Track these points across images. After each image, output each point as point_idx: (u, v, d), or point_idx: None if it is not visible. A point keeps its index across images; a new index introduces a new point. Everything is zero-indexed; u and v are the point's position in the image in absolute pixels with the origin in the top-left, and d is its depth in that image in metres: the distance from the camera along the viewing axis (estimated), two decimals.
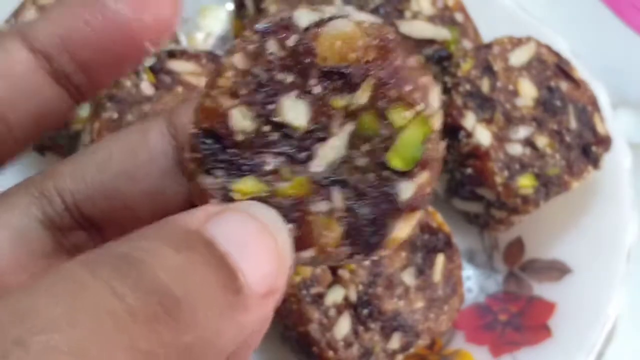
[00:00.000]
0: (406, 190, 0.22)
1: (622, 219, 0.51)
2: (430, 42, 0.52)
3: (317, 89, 0.21)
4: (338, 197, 0.21)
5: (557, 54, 0.51)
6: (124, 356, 0.17)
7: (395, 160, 0.21)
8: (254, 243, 0.20)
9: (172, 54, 0.48)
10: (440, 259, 0.47)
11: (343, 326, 0.44)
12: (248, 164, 0.21)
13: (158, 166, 0.24)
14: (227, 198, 0.21)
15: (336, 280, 0.44)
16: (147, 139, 0.24)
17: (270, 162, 0.21)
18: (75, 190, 0.24)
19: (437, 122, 0.22)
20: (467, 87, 0.48)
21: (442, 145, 0.22)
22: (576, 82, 0.51)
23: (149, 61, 0.47)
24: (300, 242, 0.21)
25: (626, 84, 0.62)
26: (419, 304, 0.46)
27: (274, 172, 0.21)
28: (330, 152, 0.22)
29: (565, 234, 0.52)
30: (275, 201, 0.21)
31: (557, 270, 0.51)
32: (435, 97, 0.22)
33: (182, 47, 0.49)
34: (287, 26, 0.21)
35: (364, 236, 0.21)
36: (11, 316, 0.16)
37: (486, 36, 0.53)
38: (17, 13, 0.49)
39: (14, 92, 0.23)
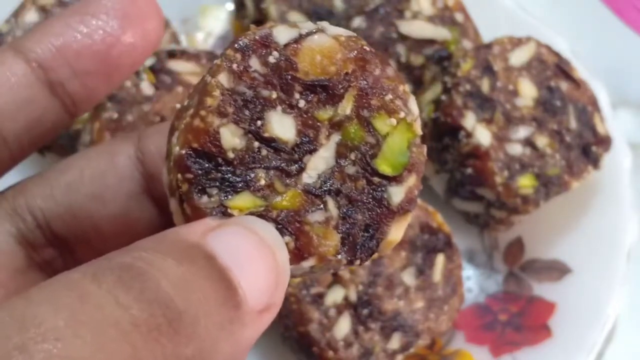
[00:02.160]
0: (397, 193, 0.22)
1: (622, 219, 0.51)
2: (430, 42, 0.52)
3: (301, 103, 0.22)
4: (332, 206, 0.22)
5: (557, 54, 0.51)
6: None
7: (384, 166, 0.22)
8: (254, 258, 0.20)
9: (172, 54, 0.48)
10: (440, 259, 0.47)
11: (343, 326, 0.44)
12: (241, 180, 0.22)
13: (125, 190, 0.25)
14: (225, 215, 0.22)
15: (336, 280, 0.44)
16: (115, 163, 0.25)
17: (263, 177, 0.22)
18: (45, 209, 0.25)
19: (418, 127, 0.23)
20: (467, 87, 0.48)
21: (425, 148, 0.23)
22: (576, 82, 0.51)
23: (149, 61, 0.47)
24: (300, 253, 0.22)
25: (626, 84, 0.63)
26: (419, 304, 0.46)
27: (268, 186, 0.22)
28: (320, 162, 0.22)
29: (565, 234, 0.52)
30: (272, 215, 0.22)
31: (557, 270, 0.51)
32: (414, 103, 0.23)
33: (182, 47, 0.49)
34: (267, 43, 0.22)
35: (361, 241, 0.22)
36: (13, 322, 0.16)
37: (486, 36, 0.53)
38: (17, 13, 0.49)
39: (9, 103, 0.23)
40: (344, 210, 0.22)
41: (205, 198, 0.21)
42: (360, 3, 0.52)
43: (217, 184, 0.22)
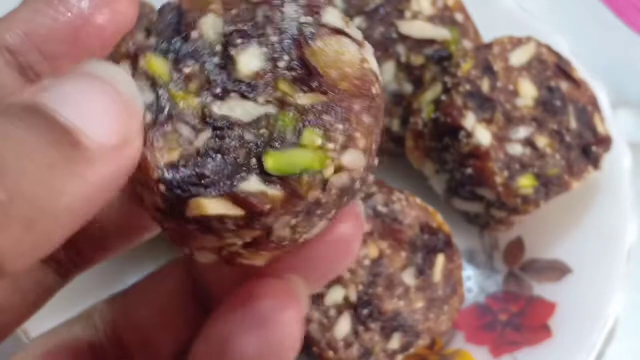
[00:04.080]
0: (250, 184, 0.21)
1: (622, 219, 0.51)
2: (430, 42, 0.52)
3: (282, 64, 0.22)
4: (203, 138, 0.21)
5: (557, 54, 0.51)
6: None
7: (269, 158, 0.21)
8: (92, 98, 0.19)
9: None
10: (440, 259, 0.47)
11: (343, 326, 0.44)
12: (176, 52, 0.22)
13: None
14: (134, 57, 0.22)
15: (336, 280, 0.44)
16: None
17: (192, 69, 0.22)
18: None
19: (329, 171, 0.21)
20: (467, 87, 0.48)
21: (316, 193, 0.21)
22: (576, 82, 0.51)
23: None
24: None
25: (626, 84, 0.63)
26: (419, 304, 0.46)
27: (187, 77, 0.22)
28: (239, 109, 0.21)
29: (566, 234, 0.52)
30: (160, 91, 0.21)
31: (557, 270, 0.51)
32: (351, 157, 0.21)
33: None
34: (314, 9, 0.22)
35: (183, 178, 0.21)
36: None
37: (486, 36, 0.53)
38: None
39: None
40: (206, 150, 0.21)
41: (142, 35, 0.22)
42: (360, 3, 0.52)
43: (161, 38, 0.22)
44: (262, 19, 0.22)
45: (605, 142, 0.51)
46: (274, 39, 0.22)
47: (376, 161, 0.23)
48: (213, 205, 0.20)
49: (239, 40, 0.22)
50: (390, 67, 0.52)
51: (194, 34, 0.22)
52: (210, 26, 0.22)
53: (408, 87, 0.52)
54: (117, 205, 0.26)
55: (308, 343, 0.44)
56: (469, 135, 0.47)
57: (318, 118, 0.21)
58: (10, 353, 0.26)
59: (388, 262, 0.46)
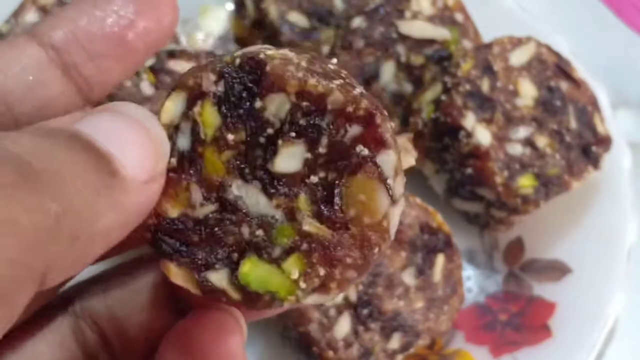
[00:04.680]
0: (217, 276, 0.22)
1: (622, 219, 0.51)
2: (430, 42, 0.52)
3: (315, 179, 0.22)
4: (207, 211, 0.22)
5: (557, 54, 0.51)
6: None
7: (246, 268, 0.22)
8: (124, 132, 0.20)
9: (172, 54, 0.48)
10: (440, 259, 0.47)
11: (343, 326, 0.44)
12: (233, 115, 0.22)
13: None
14: (200, 96, 0.22)
15: None
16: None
17: (238, 139, 0.22)
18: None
19: (287, 305, 0.22)
20: (467, 87, 0.48)
21: (273, 312, 0.24)
22: (576, 82, 0.51)
23: (149, 61, 0.47)
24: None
25: (626, 84, 0.63)
26: (419, 304, 0.46)
27: (230, 144, 0.22)
28: (252, 200, 0.22)
29: (566, 234, 0.52)
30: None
31: (557, 270, 0.51)
32: (316, 302, 0.22)
33: (182, 47, 0.49)
34: (377, 147, 0.22)
35: (167, 240, 0.22)
36: None
37: (486, 36, 0.53)
38: (17, 13, 0.49)
39: (20, 83, 0.23)
40: (202, 224, 0.22)
41: (212, 83, 0.23)
42: (360, 3, 0.52)
43: (233, 95, 0.22)
44: (326, 125, 0.22)
45: (605, 142, 0.51)
46: (322, 150, 0.22)
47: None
48: (179, 277, 0.22)
49: (292, 135, 0.22)
50: (390, 67, 0.52)
51: (258, 104, 0.22)
52: (276, 107, 0.22)
53: (408, 87, 0.52)
54: None
55: (308, 343, 0.44)
56: (469, 135, 0.47)
57: (309, 252, 0.22)
58: None
59: (388, 262, 0.46)
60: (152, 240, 0.22)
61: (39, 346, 0.26)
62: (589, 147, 0.50)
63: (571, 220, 0.52)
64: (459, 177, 0.49)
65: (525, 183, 0.48)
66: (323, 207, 0.22)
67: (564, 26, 0.60)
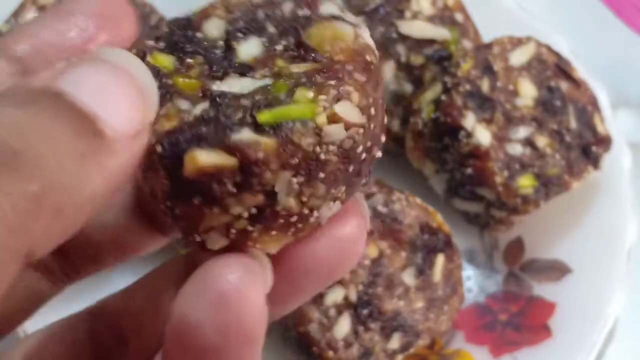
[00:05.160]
0: (242, 134, 0.21)
1: (622, 219, 0.51)
2: (430, 42, 0.52)
3: (279, 47, 0.23)
4: (200, 108, 0.21)
5: (557, 54, 0.51)
6: None
7: (262, 115, 0.21)
8: (110, 85, 0.19)
9: None
10: (440, 259, 0.47)
11: (343, 326, 0.44)
12: (181, 50, 0.23)
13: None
14: (142, 57, 0.22)
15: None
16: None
17: (195, 60, 0.23)
18: None
19: (321, 119, 0.21)
20: (467, 87, 0.48)
21: (310, 140, 0.21)
22: (576, 82, 0.51)
23: None
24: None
25: (626, 84, 0.63)
26: (419, 304, 0.46)
27: (190, 66, 0.22)
28: (236, 84, 0.22)
29: (566, 234, 0.52)
30: (165, 83, 0.22)
31: (557, 270, 0.51)
32: (344, 108, 0.21)
33: None
34: (311, 4, 0.23)
35: (179, 138, 0.21)
36: None
37: (486, 36, 0.53)
38: (17, 13, 0.49)
39: None
40: (204, 117, 0.21)
41: (152, 42, 0.23)
42: (360, 3, 0.52)
43: (169, 42, 0.23)
44: (262, 16, 0.23)
45: (605, 142, 0.51)
46: (272, 30, 0.23)
47: (383, 138, 0.23)
48: (205, 156, 0.20)
49: (240, 35, 0.23)
50: (390, 67, 0.52)
51: (198, 35, 0.23)
52: (213, 27, 0.23)
53: (408, 87, 0.52)
54: (112, 223, 0.26)
55: (308, 343, 0.44)
56: (469, 135, 0.47)
57: (310, 79, 0.21)
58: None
59: (388, 262, 0.46)
60: (164, 154, 0.21)
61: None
62: (589, 147, 0.50)
63: (571, 220, 0.52)
64: (459, 177, 0.49)
65: (525, 183, 0.48)
66: (302, 57, 0.22)
67: (564, 26, 0.60)
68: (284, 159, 0.21)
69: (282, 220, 0.22)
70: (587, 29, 0.64)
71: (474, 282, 0.53)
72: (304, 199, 0.21)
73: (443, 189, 0.52)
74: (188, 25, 0.24)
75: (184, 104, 0.21)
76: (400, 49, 0.52)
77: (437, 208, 0.48)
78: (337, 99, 0.21)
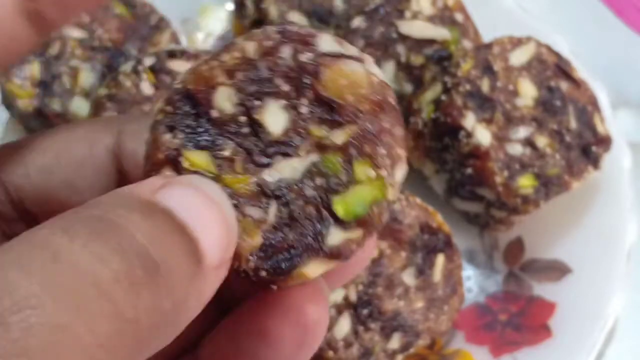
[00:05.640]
0: (334, 236, 0.22)
1: (622, 219, 0.51)
2: (430, 42, 0.52)
3: (304, 110, 0.22)
4: (273, 212, 0.22)
5: (557, 54, 0.51)
6: (108, 326, 0.16)
7: (339, 206, 0.22)
8: (206, 214, 0.20)
9: (172, 54, 0.48)
10: (440, 259, 0.47)
11: (343, 326, 0.44)
12: (210, 140, 0.22)
13: (100, 184, 0.25)
14: (174, 161, 0.22)
15: None
16: (93, 153, 0.25)
17: (230, 150, 0.22)
18: (20, 187, 0.25)
19: (392, 194, 0.22)
20: (467, 87, 0.48)
21: (387, 216, 0.22)
22: (576, 82, 0.51)
23: (149, 61, 0.47)
24: None
25: (626, 84, 0.63)
26: (419, 304, 0.46)
27: (229, 160, 0.22)
28: (287, 169, 0.22)
29: (566, 234, 0.52)
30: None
31: (557, 270, 0.51)
32: (400, 172, 0.22)
33: (182, 47, 0.49)
34: (308, 41, 0.22)
35: (277, 257, 0.21)
36: None
37: (486, 36, 0.53)
38: None
39: None
40: (281, 222, 0.21)
41: (169, 135, 0.22)
42: (360, 3, 0.52)
43: (188, 130, 0.22)
44: (267, 72, 0.22)
45: (605, 142, 0.51)
46: (286, 88, 0.22)
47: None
48: (312, 270, 0.21)
49: (256, 102, 0.22)
50: (390, 67, 0.52)
51: (214, 114, 0.22)
52: (224, 99, 0.22)
53: (408, 87, 0.52)
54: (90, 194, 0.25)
55: None
56: (469, 135, 0.47)
57: (360, 151, 0.22)
58: None
59: (388, 262, 0.46)
60: (266, 277, 0.21)
61: None
62: (589, 147, 0.50)
63: (571, 220, 0.52)
64: (459, 177, 0.49)
65: (525, 183, 0.48)
66: (331, 117, 0.22)
67: (564, 26, 0.60)
68: (367, 240, 0.22)
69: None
70: (587, 29, 0.64)
71: (474, 282, 0.53)
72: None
73: (443, 189, 0.52)
74: (192, 100, 0.22)
75: (254, 212, 0.22)
76: (400, 49, 0.52)
77: (437, 208, 0.48)
78: (393, 167, 0.22)
